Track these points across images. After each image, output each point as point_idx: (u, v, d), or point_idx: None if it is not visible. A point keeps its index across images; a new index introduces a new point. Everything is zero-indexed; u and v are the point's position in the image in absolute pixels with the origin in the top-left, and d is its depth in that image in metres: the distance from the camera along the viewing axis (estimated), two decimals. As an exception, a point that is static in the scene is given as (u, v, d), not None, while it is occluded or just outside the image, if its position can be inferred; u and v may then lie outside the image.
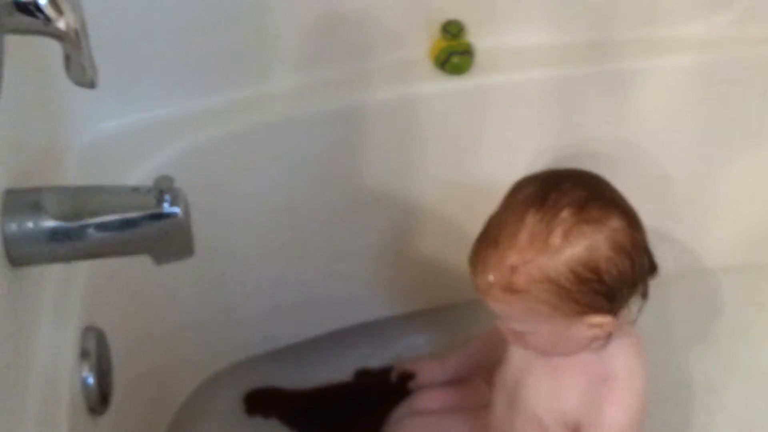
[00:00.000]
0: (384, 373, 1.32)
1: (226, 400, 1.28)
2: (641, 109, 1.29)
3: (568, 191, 0.87)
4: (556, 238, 0.85)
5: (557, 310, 0.88)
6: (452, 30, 1.21)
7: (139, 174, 1.04)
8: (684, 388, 1.30)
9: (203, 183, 1.10)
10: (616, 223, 0.87)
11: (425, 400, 1.20)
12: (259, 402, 1.29)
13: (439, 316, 1.39)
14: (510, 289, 0.87)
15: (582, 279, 0.86)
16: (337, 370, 1.32)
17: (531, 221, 0.87)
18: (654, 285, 0.94)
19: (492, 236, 0.89)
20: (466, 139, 1.26)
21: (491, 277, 0.87)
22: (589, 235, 0.86)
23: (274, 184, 1.19)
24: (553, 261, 0.85)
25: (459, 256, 1.35)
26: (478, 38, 1.24)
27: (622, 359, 0.95)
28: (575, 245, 0.85)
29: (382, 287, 1.36)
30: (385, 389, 1.27)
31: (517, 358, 1.03)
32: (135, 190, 0.71)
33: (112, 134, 1.10)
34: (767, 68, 1.29)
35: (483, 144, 1.27)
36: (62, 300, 0.85)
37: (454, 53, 1.21)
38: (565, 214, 0.86)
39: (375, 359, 1.34)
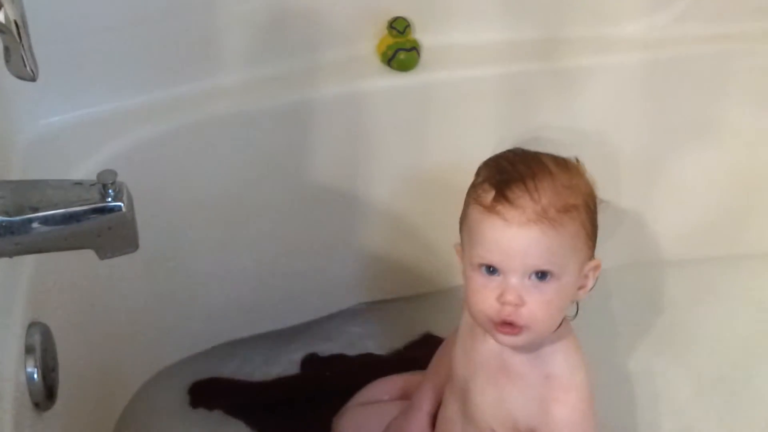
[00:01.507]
0: (333, 360, 1.33)
1: (174, 395, 1.27)
2: (588, 106, 1.31)
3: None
4: (573, 168, 0.93)
5: (587, 240, 0.91)
6: (399, 27, 1.22)
7: (84, 169, 1.03)
8: (625, 381, 1.32)
9: (150, 178, 1.10)
10: None
11: (376, 391, 1.21)
12: (204, 393, 1.28)
13: (388, 309, 1.40)
14: (566, 206, 0.88)
15: (595, 206, 0.93)
16: (287, 365, 1.32)
17: (547, 158, 0.92)
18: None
19: (523, 173, 0.89)
20: (413, 134, 1.27)
21: (546, 199, 0.87)
22: (584, 172, 0.95)
23: (222, 180, 1.19)
24: (582, 182, 0.93)
25: (410, 248, 1.37)
26: (424, 35, 1.25)
27: (561, 357, 0.95)
28: (584, 175, 0.94)
29: (332, 282, 1.37)
30: (334, 379, 1.28)
31: (461, 367, 1.02)
32: (78, 184, 0.71)
33: (56, 129, 1.09)
34: (707, 65, 1.32)
35: (430, 139, 1.28)
36: (6, 296, 0.85)
37: (400, 50, 1.22)
38: (563, 157, 0.94)
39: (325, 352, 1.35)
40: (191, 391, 1.28)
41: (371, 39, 1.25)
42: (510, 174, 0.90)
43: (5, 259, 0.80)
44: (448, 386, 1.06)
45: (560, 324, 0.94)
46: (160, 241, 1.15)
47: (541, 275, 0.88)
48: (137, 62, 1.12)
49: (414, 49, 1.23)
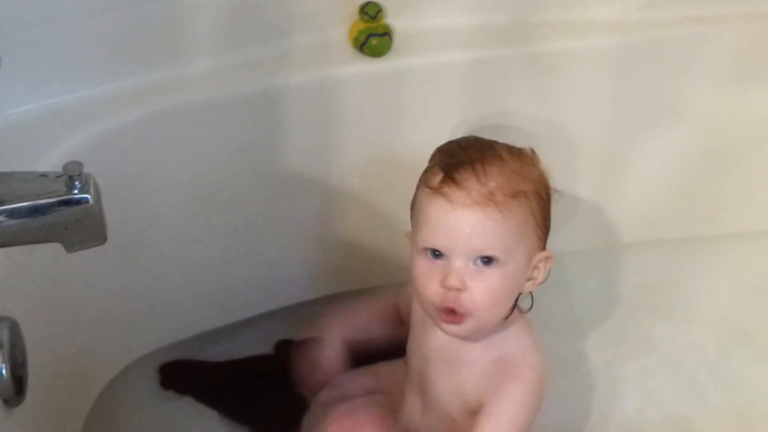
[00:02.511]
0: (305, 343, 1.32)
1: (146, 387, 1.26)
2: (561, 90, 1.31)
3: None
4: (526, 156, 0.94)
5: (536, 228, 0.91)
6: (370, 12, 1.21)
7: (50, 161, 1.01)
8: (584, 364, 1.32)
9: (118, 168, 1.09)
10: None
11: (343, 387, 1.20)
12: (175, 374, 1.27)
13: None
14: (515, 191, 0.88)
15: (547, 196, 0.94)
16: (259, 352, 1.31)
17: (500, 146, 0.93)
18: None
19: (473, 157, 0.90)
20: (385, 121, 1.26)
21: (493, 183, 0.88)
22: (538, 163, 0.96)
23: (192, 169, 1.18)
24: (535, 170, 0.94)
25: (381, 237, 1.37)
26: (396, 20, 1.24)
27: (513, 340, 0.96)
28: (538, 164, 0.95)
29: (304, 270, 1.36)
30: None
31: (416, 360, 1.02)
32: (43, 176, 0.70)
33: (21, 120, 1.07)
34: (679, 48, 1.32)
35: (403, 126, 1.27)
36: (-28, 290, 0.84)
37: (372, 35, 1.21)
38: (518, 148, 0.95)
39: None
40: (162, 371, 1.27)
41: (343, 24, 1.23)
42: (460, 158, 0.91)
43: (-30, 254, 0.79)
44: (406, 380, 1.06)
45: (510, 314, 0.95)
46: (129, 233, 1.14)
47: (486, 260, 0.88)
48: (104, 50, 1.11)
49: (386, 34, 1.22)
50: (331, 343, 1.11)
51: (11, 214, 0.68)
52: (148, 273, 1.23)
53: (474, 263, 0.88)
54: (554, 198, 0.96)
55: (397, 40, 1.23)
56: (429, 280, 0.90)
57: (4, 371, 0.83)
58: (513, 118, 1.31)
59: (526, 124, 1.32)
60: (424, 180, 0.92)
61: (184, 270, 1.26)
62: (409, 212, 0.98)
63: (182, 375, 1.27)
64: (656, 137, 1.39)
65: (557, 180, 1.37)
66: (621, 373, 1.31)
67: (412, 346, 1.03)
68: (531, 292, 0.98)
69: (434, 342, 0.98)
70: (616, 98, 1.34)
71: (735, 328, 1.38)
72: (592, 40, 1.30)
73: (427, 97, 1.26)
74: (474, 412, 0.98)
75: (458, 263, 0.88)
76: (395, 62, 1.23)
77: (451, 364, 0.98)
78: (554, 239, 1.40)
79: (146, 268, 1.22)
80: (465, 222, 0.87)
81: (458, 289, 0.89)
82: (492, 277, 0.89)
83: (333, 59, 1.22)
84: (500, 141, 0.96)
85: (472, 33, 1.27)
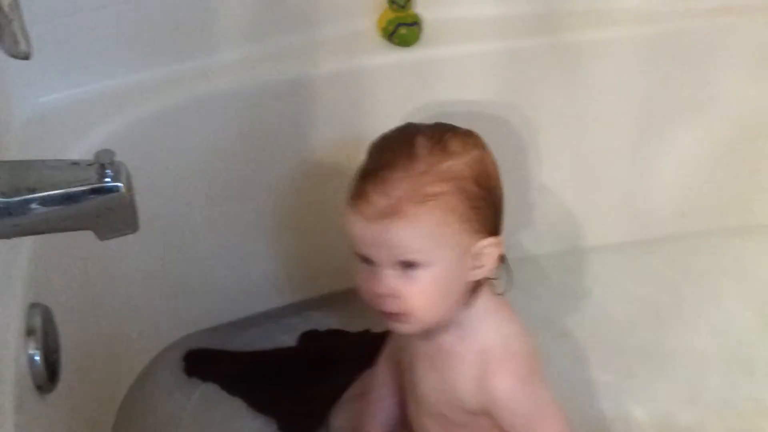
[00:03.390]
0: (332, 334, 1.33)
1: (178, 374, 1.27)
2: (588, 80, 1.30)
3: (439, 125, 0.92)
4: (453, 146, 0.88)
5: (462, 224, 0.87)
6: (399, 1, 1.21)
7: (81, 148, 1.02)
8: (608, 357, 1.31)
9: (149, 157, 1.09)
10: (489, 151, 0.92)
11: (371, 381, 1.20)
12: (199, 362, 1.28)
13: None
14: (423, 196, 0.85)
15: (481, 185, 0.89)
16: (287, 342, 1.32)
17: (422, 140, 0.88)
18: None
19: (383, 163, 0.87)
20: (414, 110, 1.25)
21: (399, 192, 0.85)
22: (479, 146, 0.91)
23: (222, 157, 1.18)
24: (457, 163, 0.88)
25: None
26: (425, 9, 1.24)
27: (492, 330, 0.94)
28: (471, 152, 0.89)
29: (333, 261, 1.35)
30: (334, 353, 1.28)
31: (403, 359, 1.02)
32: (75, 164, 0.70)
33: (52, 108, 1.08)
34: (706, 38, 1.31)
35: (432, 115, 1.26)
36: (5, 277, 0.84)
37: (401, 24, 1.21)
38: (452, 132, 0.90)
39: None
40: (186, 359, 1.28)
41: (372, 14, 1.23)
42: (374, 164, 0.89)
43: (4, 241, 0.79)
44: (403, 380, 1.06)
45: (468, 300, 0.92)
46: (160, 221, 1.15)
47: (408, 265, 0.87)
48: (134, 39, 1.11)
49: (415, 23, 1.22)
50: None
51: (44, 202, 0.68)
52: (179, 261, 1.24)
53: (398, 269, 0.87)
54: (514, 188, 0.94)
55: (426, 30, 1.23)
56: (366, 286, 0.90)
57: (37, 358, 0.84)
58: (541, 106, 1.31)
59: (554, 113, 1.32)
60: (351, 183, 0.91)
61: (213, 259, 1.27)
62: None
63: (206, 363, 1.28)
64: (685, 128, 1.38)
65: (583, 171, 1.38)
66: (655, 364, 1.30)
67: (399, 350, 1.03)
68: (508, 272, 0.95)
69: (414, 342, 0.98)
70: (644, 88, 1.33)
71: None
72: (619, 31, 1.29)
73: (456, 85, 1.25)
74: (470, 412, 0.96)
75: (386, 270, 0.88)
76: (424, 52, 1.22)
77: (434, 359, 0.97)
78: (580, 233, 1.41)
79: (177, 256, 1.23)
80: (372, 234, 0.86)
81: (389, 296, 0.88)
82: (420, 279, 0.87)
83: (362, 49, 1.22)
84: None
85: (501, 23, 1.27)
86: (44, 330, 0.86)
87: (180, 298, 1.28)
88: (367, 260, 0.89)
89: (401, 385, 1.08)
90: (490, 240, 0.90)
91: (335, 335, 1.33)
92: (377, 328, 1.32)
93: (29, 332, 0.84)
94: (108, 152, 0.69)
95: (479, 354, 0.94)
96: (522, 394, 0.94)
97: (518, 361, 0.94)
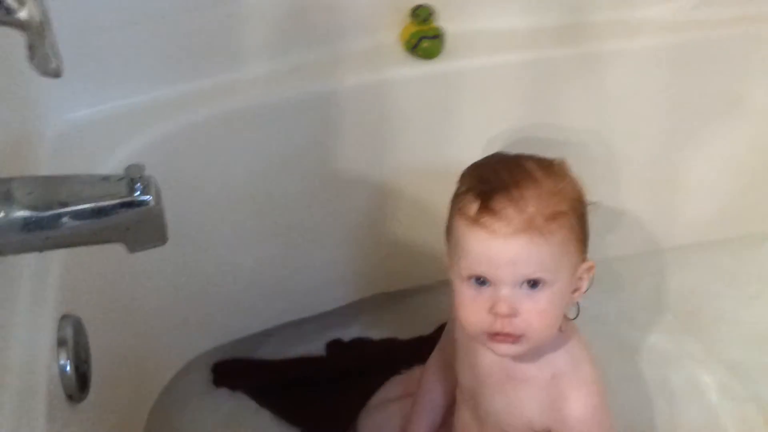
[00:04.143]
0: (357, 344, 1.34)
1: (206, 385, 1.29)
2: (613, 91, 1.30)
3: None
4: (557, 171, 0.91)
5: (577, 244, 0.89)
6: (422, 14, 1.22)
7: (112, 163, 1.04)
8: (642, 370, 1.32)
9: (177, 171, 1.11)
10: None
11: (399, 387, 1.21)
12: (227, 373, 1.29)
13: (413, 297, 1.41)
14: (553, 214, 0.86)
15: (584, 207, 0.92)
16: (312, 351, 1.33)
17: (531, 164, 0.90)
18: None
19: (507, 182, 0.87)
20: (437, 122, 1.26)
21: (532, 209, 0.85)
22: (570, 172, 0.93)
23: (248, 171, 1.20)
24: (567, 185, 0.90)
25: (433, 238, 1.37)
26: (448, 22, 1.25)
27: (565, 355, 0.95)
28: (570, 177, 0.92)
29: (356, 270, 1.37)
30: (360, 362, 1.29)
31: (467, 379, 1.02)
32: (105, 178, 0.71)
33: (83, 123, 1.10)
34: (731, 48, 1.31)
35: (455, 127, 1.27)
36: (38, 289, 0.86)
37: (424, 38, 1.22)
38: (547, 159, 0.93)
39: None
40: (215, 370, 1.30)
41: (394, 27, 1.24)
42: (492, 183, 0.88)
43: (36, 254, 0.81)
44: (458, 393, 1.06)
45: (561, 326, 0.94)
46: (187, 233, 1.16)
47: (533, 284, 0.87)
48: (162, 56, 1.13)
49: (437, 36, 1.22)
50: None
51: (75, 215, 0.69)
52: (206, 273, 1.25)
53: (521, 288, 0.87)
54: (594, 208, 0.95)
55: (449, 43, 1.24)
56: (476, 308, 0.89)
57: (68, 368, 0.85)
58: (566, 118, 1.31)
59: (580, 125, 1.31)
60: (458, 208, 0.90)
61: (240, 270, 1.28)
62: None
63: (234, 373, 1.29)
64: (712, 136, 1.38)
65: (611, 184, 1.38)
66: (682, 374, 1.31)
67: (461, 365, 1.02)
68: (577, 301, 0.96)
69: (485, 362, 0.97)
70: (670, 98, 1.33)
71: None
72: (644, 40, 1.29)
73: (479, 98, 1.26)
74: (531, 428, 0.97)
75: (505, 290, 0.87)
76: (447, 64, 1.23)
77: (504, 383, 0.97)
78: (611, 242, 1.41)
79: (204, 268, 1.25)
80: (509, 251, 0.86)
81: (509, 316, 0.88)
82: (540, 299, 0.87)
83: (385, 62, 1.22)
84: (544, 148, 0.94)
85: (523, 34, 1.27)
86: (75, 341, 0.88)
87: (208, 309, 1.29)
88: (481, 281, 0.88)
89: (451, 396, 1.08)
90: (589, 263, 0.92)
91: (360, 344, 1.34)
92: (402, 336, 1.34)
93: (60, 343, 0.85)
94: (138, 167, 0.70)
95: (551, 379, 0.95)
96: (592, 422, 0.95)
97: (590, 387, 0.95)
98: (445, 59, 1.23)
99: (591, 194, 0.98)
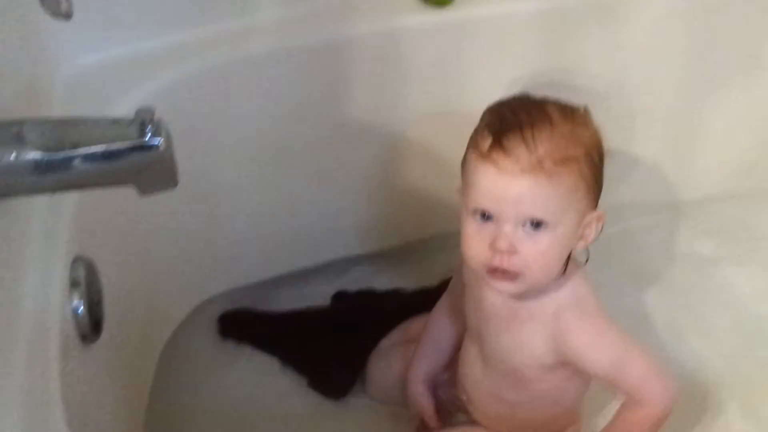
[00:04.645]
0: (362, 295, 1.34)
1: (216, 329, 1.31)
2: (629, 41, 1.29)
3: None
4: (579, 118, 0.91)
5: (587, 192, 0.90)
6: (435, -39, 1.20)
7: (122, 108, 1.03)
8: (652, 317, 1.32)
9: (188, 116, 1.11)
10: None
11: (410, 330, 1.22)
12: (233, 324, 1.30)
13: (424, 247, 1.41)
14: (564, 158, 0.87)
15: (600, 157, 0.92)
16: (319, 301, 1.34)
17: (553, 107, 0.91)
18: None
19: (523, 121, 0.88)
20: (450, 71, 1.26)
21: (542, 150, 0.86)
22: (593, 122, 0.93)
23: (259, 117, 1.19)
24: (587, 132, 0.91)
25: (445, 187, 1.37)
26: (461, -31, 1.23)
27: (568, 292, 0.96)
28: (592, 126, 0.92)
29: (366, 219, 1.38)
30: (365, 313, 1.30)
31: (473, 317, 1.03)
32: (116, 121, 0.71)
33: (93, 68, 1.10)
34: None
35: (467, 76, 1.27)
36: (50, 231, 0.86)
37: (437, -15, 1.20)
38: (572, 106, 0.93)
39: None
40: (220, 321, 1.31)
41: (408, -26, 1.23)
42: (509, 122, 0.89)
43: (48, 196, 0.81)
44: (467, 334, 1.07)
45: (565, 268, 0.94)
46: (200, 178, 1.17)
47: (536, 224, 0.88)
48: (173, 0, 1.12)
49: (451, -17, 1.21)
50: (416, 386, 1.13)
51: (85, 157, 0.69)
52: (216, 217, 1.26)
53: (523, 227, 0.88)
54: (609, 157, 0.94)
55: (462, -10, 1.23)
56: (478, 242, 0.90)
57: (81, 309, 0.86)
58: (582, 67, 1.30)
59: (595, 75, 1.30)
60: (473, 142, 0.91)
61: (252, 216, 1.29)
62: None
63: (240, 325, 1.30)
64: (732, 89, 1.37)
65: (628, 133, 1.37)
66: (686, 324, 1.31)
67: (469, 304, 1.04)
68: (587, 247, 0.97)
69: (491, 300, 0.99)
70: (689, 47, 1.32)
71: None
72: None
73: (492, 47, 1.25)
74: (546, 366, 0.99)
75: (507, 227, 0.88)
76: (459, 12, 1.22)
77: (509, 321, 0.98)
78: (627, 192, 1.40)
79: (214, 212, 1.25)
80: (514, 189, 0.87)
81: (508, 252, 0.89)
82: (542, 240, 0.89)
83: (397, 9, 1.21)
84: (561, 96, 0.94)
85: (539, -19, 1.26)
86: (88, 282, 0.89)
87: (218, 253, 1.30)
88: (485, 216, 0.90)
89: (461, 337, 1.09)
90: (599, 213, 0.93)
91: (365, 295, 1.35)
92: (408, 287, 1.35)
93: (73, 285, 0.86)
94: (148, 110, 0.70)
95: (554, 315, 0.96)
96: (602, 346, 0.96)
97: (592, 318, 0.96)
98: (458, 7, 1.22)
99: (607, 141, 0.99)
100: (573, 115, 0.91)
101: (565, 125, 0.89)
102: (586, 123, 0.92)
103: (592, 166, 0.90)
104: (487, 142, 0.88)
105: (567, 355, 0.96)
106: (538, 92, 0.95)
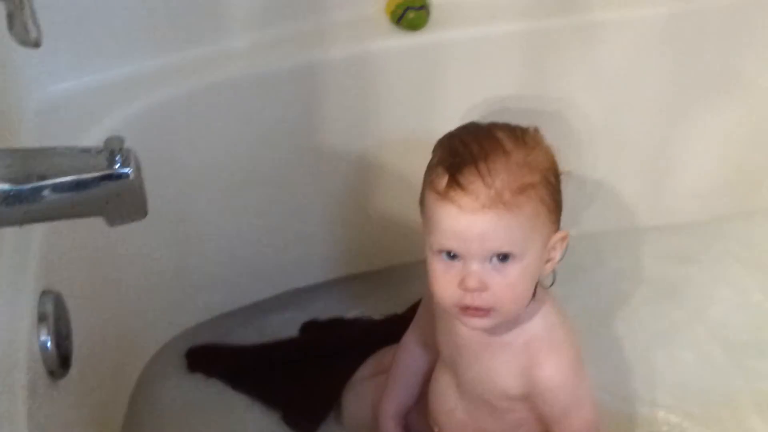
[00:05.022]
0: (331, 324, 1.33)
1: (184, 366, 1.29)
2: (607, 62, 1.29)
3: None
4: (530, 141, 0.90)
5: (549, 215, 0.89)
6: (407, -15, 1.20)
7: (93, 136, 1.02)
8: (624, 342, 1.32)
9: (160, 143, 1.10)
10: None
11: (382, 362, 1.21)
12: (200, 360, 1.28)
13: (397, 273, 1.40)
14: (521, 186, 0.85)
15: (557, 177, 0.91)
16: (290, 330, 1.33)
17: (502, 134, 0.89)
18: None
19: (476, 155, 0.86)
20: (423, 95, 1.25)
21: (499, 183, 0.85)
22: (543, 141, 0.92)
23: (231, 144, 1.19)
24: (539, 155, 0.89)
25: (416, 213, 1.36)
26: (433, -7, 1.24)
27: (538, 321, 0.95)
28: (543, 146, 0.91)
29: (339, 246, 1.37)
30: (335, 342, 1.28)
31: (445, 347, 1.02)
32: (85, 151, 0.70)
33: (64, 96, 1.09)
34: (729, 19, 1.30)
35: (440, 100, 1.26)
36: (17, 264, 0.85)
37: (409, 8, 1.20)
38: (520, 128, 0.91)
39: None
40: (188, 356, 1.29)
41: (380, -2, 1.23)
42: (462, 156, 0.87)
43: (15, 228, 0.80)
44: (439, 362, 1.06)
45: (534, 294, 0.94)
46: (170, 207, 1.15)
47: (503, 257, 0.87)
48: (144, 27, 1.12)
49: (423, 7, 1.21)
50: (387, 422, 1.13)
51: (54, 188, 0.68)
52: (188, 248, 1.25)
53: (490, 262, 0.87)
54: (564, 178, 0.93)
55: (435, 13, 1.23)
56: (447, 281, 0.89)
57: (49, 344, 0.85)
58: (555, 91, 1.30)
59: (570, 96, 1.30)
60: (429, 181, 0.89)
61: (223, 244, 1.28)
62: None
63: (208, 359, 1.29)
64: (710, 110, 1.37)
65: (604, 155, 1.37)
66: (662, 346, 1.31)
67: (441, 335, 1.03)
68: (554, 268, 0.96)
69: (460, 332, 0.97)
70: (667, 69, 1.32)
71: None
72: (640, 11, 1.27)
73: (466, 71, 1.25)
74: (512, 398, 0.98)
75: (475, 265, 0.87)
76: (433, 35, 1.22)
77: (481, 352, 0.97)
78: (600, 217, 1.40)
79: (186, 242, 1.24)
80: (476, 226, 0.85)
81: (479, 290, 0.88)
82: (510, 272, 0.87)
83: (370, 33, 1.21)
84: (535, 121, 0.93)
85: (511, 5, 1.26)
86: (56, 316, 0.87)
87: (189, 285, 1.28)
88: (451, 255, 0.88)
89: (431, 367, 1.09)
90: (563, 233, 0.92)
91: (335, 324, 1.34)
92: (375, 314, 1.34)
93: (41, 318, 0.85)
94: (117, 139, 0.69)
95: (525, 344, 0.95)
96: (565, 386, 0.95)
97: (563, 351, 0.95)
98: (431, 30, 1.22)
99: (577, 167, 0.99)
100: (524, 139, 0.90)
101: (518, 152, 0.88)
102: (538, 145, 0.91)
103: (550, 189, 0.89)
104: (443, 181, 0.87)
105: (533, 387, 0.96)
106: (512, 115, 0.94)
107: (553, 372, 0.94)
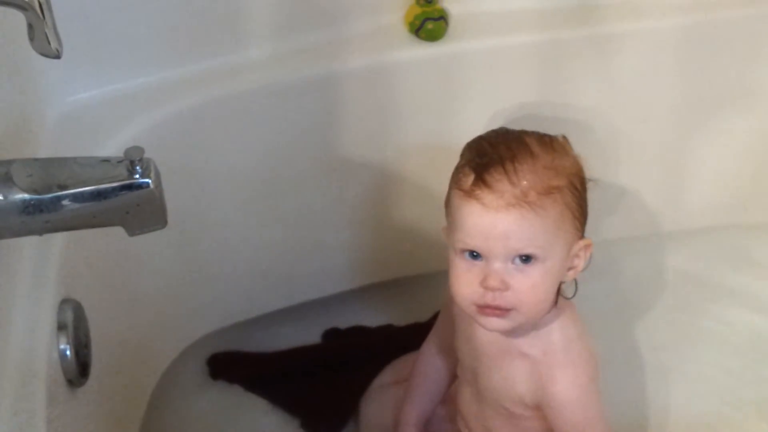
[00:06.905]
0: (353, 332, 1.33)
1: (206, 369, 1.29)
2: (621, 73, 1.29)
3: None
4: (558, 147, 0.91)
5: (573, 221, 0.89)
6: (426, -4, 1.21)
7: (113, 146, 1.03)
8: (640, 353, 1.31)
9: (179, 154, 1.10)
10: None
11: (400, 370, 1.20)
12: (223, 366, 1.28)
13: (417, 283, 1.39)
14: (548, 188, 0.86)
15: (583, 185, 0.91)
16: (311, 337, 1.33)
17: (531, 139, 0.90)
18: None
19: (504, 155, 0.87)
20: (441, 105, 1.26)
21: (526, 183, 0.85)
22: (572, 150, 0.93)
23: (251, 154, 1.19)
24: (567, 161, 0.90)
25: (437, 222, 1.36)
26: (452, 3, 1.24)
27: (557, 332, 0.95)
28: (571, 153, 0.92)
29: (359, 256, 1.37)
30: (356, 350, 1.28)
31: (466, 355, 1.02)
32: (105, 161, 0.71)
33: (85, 106, 1.09)
34: (743, 30, 1.30)
35: (459, 110, 1.27)
36: (37, 273, 0.85)
37: (428, 19, 1.21)
38: (549, 135, 0.92)
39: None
40: (210, 363, 1.29)
41: (398, 9, 1.23)
42: (489, 157, 0.88)
43: (35, 237, 0.80)
44: (459, 370, 1.07)
45: (555, 302, 0.94)
46: (190, 217, 1.16)
47: (525, 258, 0.87)
48: (164, 37, 1.12)
49: (442, 18, 1.21)
50: (408, 429, 1.12)
51: (74, 198, 0.69)
52: (207, 257, 1.25)
53: (513, 263, 0.87)
54: (590, 186, 0.94)
55: (453, 24, 1.23)
56: (468, 280, 0.89)
57: (68, 352, 0.85)
58: (572, 101, 1.30)
59: (587, 107, 1.30)
60: (455, 180, 0.90)
61: (241, 254, 1.28)
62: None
63: (230, 366, 1.29)
64: (724, 121, 1.37)
65: (619, 165, 1.37)
66: (671, 362, 1.29)
67: (460, 341, 1.03)
68: (576, 279, 0.96)
69: (482, 337, 0.98)
70: (681, 80, 1.32)
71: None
72: (654, 22, 1.27)
73: (483, 81, 1.25)
74: (528, 406, 0.98)
75: (497, 264, 0.87)
76: (451, 46, 1.22)
77: (498, 359, 0.97)
78: (614, 225, 1.40)
79: (205, 251, 1.24)
80: (500, 224, 0.86)
81: (500, 289, 0.88)
82: (532, 274, 0.88)
83: (389, 44, 1.22)
84: (552, 129, 0.94)
85: (528, 16, 1.26)
86: (75, 325, 0.88)
87: (208, 293, 1.28)
88: (474, 254, 0.89)
89: (452, 375, 1.09)
90: (586, 241, 0.92)
91: (357, 331, 1.34)
92: (399, 322, 1.33)
93: (60, 327, 0.85)
94: (137, 149, 0.69)
95: (543, 355, 0.95)
96: (578, 403, 0.95)
97: (579, 368, 0.95)
98: (449, 41, 1.22)
99: (595, 174, 1.00)
100: (552, 145, 0.91)
101: (545, 156, 0.89)
102: (565, 152, 0.92)
103: (576, 195, 0.90)
104: (469, 179, 0.88)
105: (543, 398, 0.95)
106: (530, 124, 0.94)
107: (568, 389, 0.94)
